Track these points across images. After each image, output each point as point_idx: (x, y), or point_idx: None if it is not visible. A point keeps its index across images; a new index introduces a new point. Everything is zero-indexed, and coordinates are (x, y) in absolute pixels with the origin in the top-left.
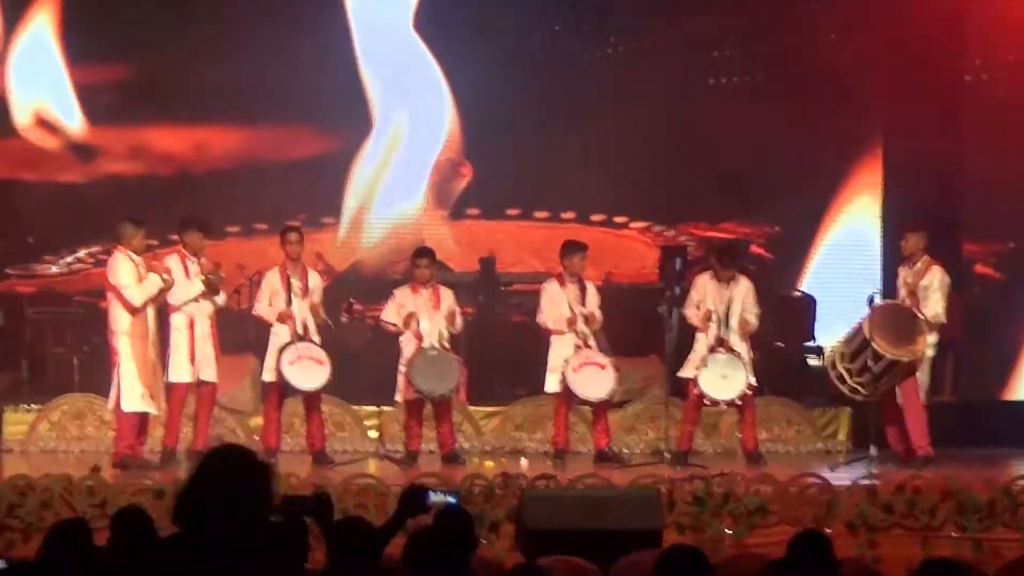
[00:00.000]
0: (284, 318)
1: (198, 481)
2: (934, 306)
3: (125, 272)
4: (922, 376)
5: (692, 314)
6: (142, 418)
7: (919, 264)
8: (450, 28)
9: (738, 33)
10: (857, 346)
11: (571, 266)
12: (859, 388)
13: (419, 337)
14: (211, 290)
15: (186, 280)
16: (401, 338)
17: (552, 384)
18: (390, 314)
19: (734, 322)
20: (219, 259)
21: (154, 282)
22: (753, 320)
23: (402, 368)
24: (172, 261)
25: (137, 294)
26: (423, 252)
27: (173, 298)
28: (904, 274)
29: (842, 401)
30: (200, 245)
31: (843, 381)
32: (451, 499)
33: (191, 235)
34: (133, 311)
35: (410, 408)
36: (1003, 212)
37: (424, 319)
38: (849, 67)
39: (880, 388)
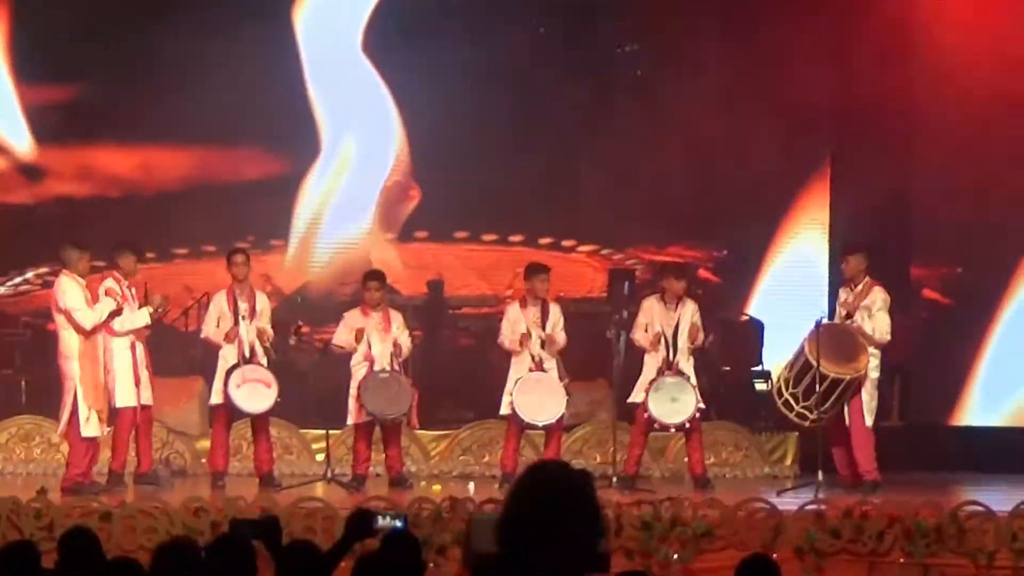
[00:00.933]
0: (231, 336)
1: (521, 502)
2: (881, 325)
3: (74, 296)
4: (869, 399)
5: (640, 336)
6: (94, 442)
7: (860, 286)
8: (398, 52)
9: (688, 60)
10: (800, 369)
11: (533, 288)
12: (806, 413)
13: (370, 360)
14: (157, 321)
15: (128, 308)
16: (352, 361)
17: (506, 406)
18: (341, 337)
19: (682, 344)
20: (165, 280)
21: (108, 305)
22: (700, 335)
23: (353, 391)
24: (110, 283)
25: (88, 317)
26: (374, 275)
27: (119, 325)
28: (844, 295)
29: (789, 426)
30: (133, 268)
31: (790, 408)
32: (398, 523)
33: (125, 258)
34: (84, 334)
35: (359, 431)
36: (951, 237)
37: (375, 342)
38: (797, 91)
39: (827, 411)
